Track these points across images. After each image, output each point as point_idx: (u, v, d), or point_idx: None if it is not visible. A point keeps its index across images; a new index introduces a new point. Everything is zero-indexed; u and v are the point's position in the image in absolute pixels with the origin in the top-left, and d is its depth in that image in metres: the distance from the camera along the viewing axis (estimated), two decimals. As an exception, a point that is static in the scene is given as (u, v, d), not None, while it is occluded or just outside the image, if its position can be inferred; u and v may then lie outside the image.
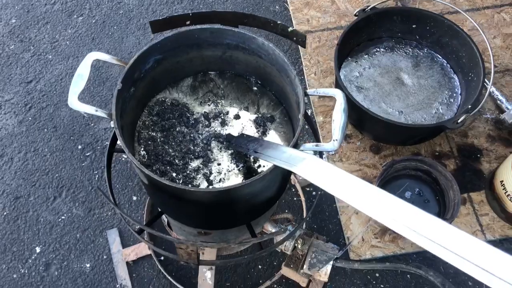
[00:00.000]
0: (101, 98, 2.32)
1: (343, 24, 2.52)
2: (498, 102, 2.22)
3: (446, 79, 2.17)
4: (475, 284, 1.88)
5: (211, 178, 1.33)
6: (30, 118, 2.26)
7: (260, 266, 1.95)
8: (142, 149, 1.37)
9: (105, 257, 1.95)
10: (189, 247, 1.21)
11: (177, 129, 1.40)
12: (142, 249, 1.96)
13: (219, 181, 1.33)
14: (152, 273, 1.93)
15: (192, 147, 1.38)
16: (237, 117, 1.44)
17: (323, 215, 2.05)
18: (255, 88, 1.49)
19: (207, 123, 1.43)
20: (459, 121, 1.85)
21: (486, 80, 1.96)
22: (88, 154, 2.17)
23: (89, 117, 2.27)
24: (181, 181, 1.33)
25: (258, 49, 1.35)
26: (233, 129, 1.42)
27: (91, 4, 2.62)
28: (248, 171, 1.35)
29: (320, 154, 1.41)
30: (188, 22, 1.43)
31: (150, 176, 1.12)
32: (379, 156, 2.14)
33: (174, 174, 1.33)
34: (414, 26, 2.20)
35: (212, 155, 1.37)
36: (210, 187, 1.32)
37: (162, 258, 1.95)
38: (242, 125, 1.43)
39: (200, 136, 1.40)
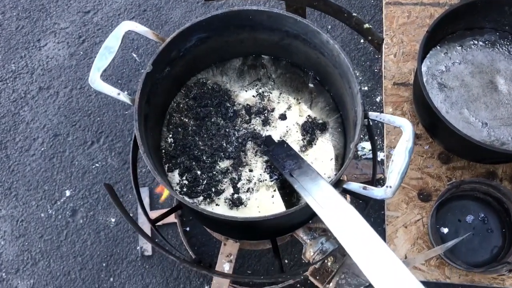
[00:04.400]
0: (156, 43, 2.15)
1: (441, 1, 2.14)
2: None
3: (551, 94, 1.79)
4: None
5: (238, 185, 1.16)
6: (81, 53, 2.15)
7: (286, 261, 1.82)
8: (170, 135, 1.22)
9: (131, 215, 1.89)
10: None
11: (212, 120, 1.22)
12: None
13: (247, 191, 1.16)
14: (175, 243, 1.85)
15: (224, 144, 1.20)
16: (283, 117, 1.23)
17: (367, 221, 1.84)
18: (311, 85, 1.26)
19: (247, 118, 1.23)
20: (554, 154, 1.53)
21: None
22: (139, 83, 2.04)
23: (141, 61, 2.13)
24: (205, 181, 1.17)
25: (321, 45, 1.11)
26: (276, 131, 1.22)
27: None
28: (282, 186, 1.17)
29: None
30: (247, -6, 1.20)
31: (173, 195, 0.97)
32: (447, 167, 1.86)
33: (199, 172, 1.17)
34: (528, 21, 1.80)
35: (245, 158, 1.19)
36: (235, 195, 1.15)
37: (187, 229, 1.86)
38: (287, 128, 1.22)
39: (236, 132, 1.21)
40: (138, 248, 1.84)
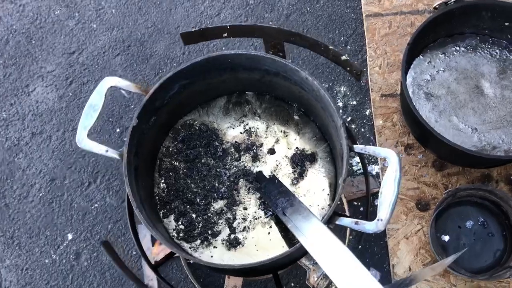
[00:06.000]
0: (143, 77, 2.17)
1: (420, 8, 2.16)
2: None
3: (537, 92, 1.81)
4: None
5: (234, 225, 1.18)
6: (70, 94, 2.17)
7: (292, 284, 1.82)
8: (163, 181, 1.23)
9: (134, 253, 1.90)
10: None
11: (202, 161, 1.24)
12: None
13: (243, 230, 1.17)
14: (180, 276, 1.86)
15: (217, 185, 1.21)
16: (271, 151, 1.25)
17: (368, 236, 1.86)
18: (296, 117, 1.28)
19: (237, 155, 1.24)
20: (545, 156, 1.54)
21: None
22: (126, 139, 2.06)
23: (130, 97, 2.14)
24: (200, 224, 1.18)
25: (301, 81, 1.13)
26: (266, 166, 1.23)
27: (141, -35, 2.41)
28: (277, 221, 1.18)
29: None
30: (225, 35, 1.22)
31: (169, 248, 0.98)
32: (442, 174, 1.87)
33: (194, 216, 1.19)
34: (507, 24, 1.82)
35: (238, 196, 1.20)
36: (232, 236, 1.16)
37: (191, 261, 1.87)
38: (277, 162, 1.24)
39: (227, 171, 1.22)
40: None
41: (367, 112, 2.05)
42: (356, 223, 0.97)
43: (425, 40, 1.89)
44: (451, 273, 1.75)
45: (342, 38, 2.20)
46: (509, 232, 1.74)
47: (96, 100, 1.07)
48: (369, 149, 1.02)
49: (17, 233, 1.95)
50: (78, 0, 2.35)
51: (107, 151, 1.06)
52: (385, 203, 0.95)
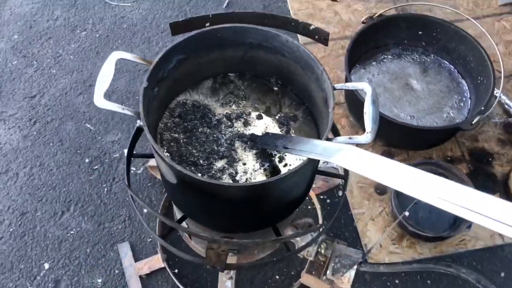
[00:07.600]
0: (106, 110, 2.28)
1: (347, 34, 2.54)
2: (506, 106, 2.24)
3: (454, 84, 2.18)
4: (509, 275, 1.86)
5: (237, 177, 1.30)
6: (35, 133, 2.21)
7: (277, 276, 1.90)
8: (165, 150, 1.34)
9: (117, 271, 1.89)
10: (221, 246, 1.17)
11: (199, 130, 1.37)
12: (155, 262, 1.90)
13: (246, 181, 1.30)
14: (167, 286, 1.87)
15: (216, 147, 1.35)
16: (259, 117, 1.42)
17: (338, 223, 2.02)
18: (275, 89, 1.48)
19: (229, 123, 1.40)
20: (473, 122, 1.86)
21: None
22: (96, 167, 2.12)
23: (96, 129, 2.23)
24: (207, 181, 1.29)
25: (281, 47, 1.34)
26: (256, 129, 1.40)
27: (94, 19, 2.61)
28: (274, 171, 1.32)
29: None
30: (207, 24, 1.42)
31: (181, 171, 1.09)
32: (391, 162, 2.13)
33: (199, 175, 1.30)
34: (420, 32, 2.22)
35: (236, 155, 1.34)
36: (237, 186, 1.29)
37: (176, 271, 1.89)
38: (265, 124, 1.41)
39: (223, 136, 1.37)
40: (131, 300, 1.82)
41: (318, 121, 2.30)
42: (350, 138, 1.15)
43: (358, 52, 2.23)
44: (417, 243, 1.94)
45: (286, 64, 2.50)
46: (457, 199, 1.99)
47: (107, 71, 1.21)
48: (349, 85, 1.24)
49: (-13, 271, 1.87)
50: (35, 51, 2.47)
51: (123, 108, 1.18)
52: (369, 120, 1.15)
